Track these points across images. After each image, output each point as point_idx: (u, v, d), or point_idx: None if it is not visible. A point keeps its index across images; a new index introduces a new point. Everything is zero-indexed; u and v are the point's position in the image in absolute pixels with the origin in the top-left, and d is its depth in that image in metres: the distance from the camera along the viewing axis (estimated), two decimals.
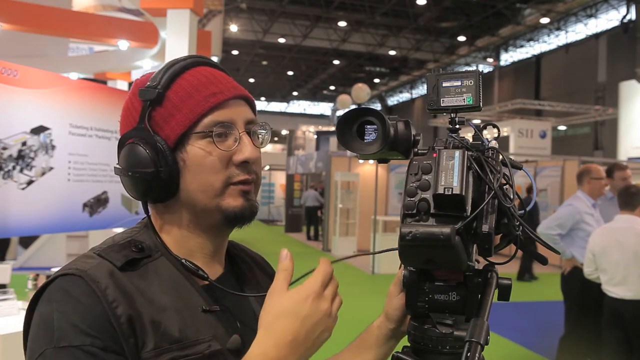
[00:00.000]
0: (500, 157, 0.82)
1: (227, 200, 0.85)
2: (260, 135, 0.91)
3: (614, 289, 3.65)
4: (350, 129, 0.87)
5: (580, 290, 4.18)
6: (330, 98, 37.18)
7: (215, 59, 11.53)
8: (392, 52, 26.98)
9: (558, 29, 22.93)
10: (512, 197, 0.80)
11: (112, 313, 0.74)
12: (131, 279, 0.79)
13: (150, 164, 0.82)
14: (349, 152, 9.47)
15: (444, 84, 0.86)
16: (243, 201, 0.86)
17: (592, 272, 3.85)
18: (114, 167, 0.87)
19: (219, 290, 0.88)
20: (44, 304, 0.76)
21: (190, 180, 0.84)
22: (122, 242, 0.84)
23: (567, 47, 23.16)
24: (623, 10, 20.26)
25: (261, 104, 39.88)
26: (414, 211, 0.76)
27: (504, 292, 0.85)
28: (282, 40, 25.38)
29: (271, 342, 0.74)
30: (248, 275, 0.98)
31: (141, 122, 0.84)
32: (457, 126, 0.87)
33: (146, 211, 0.90)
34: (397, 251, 0.79)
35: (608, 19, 21.16)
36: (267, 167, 22.29)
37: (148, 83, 0.86)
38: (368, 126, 0.86)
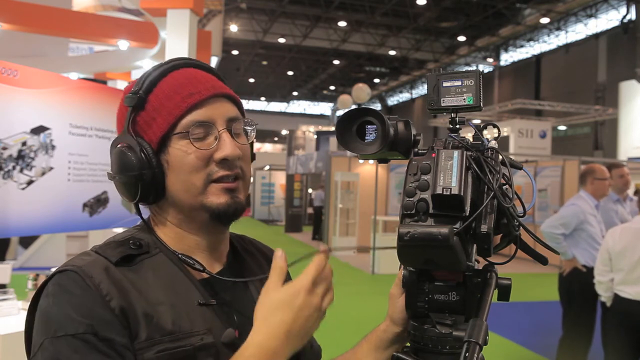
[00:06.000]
0: (500, 157, 0.82)
1: (210, 198, 0.87)
2: (246, 131, 0.92)
3: (630, 289, 3.49)
4: (350, 129, 0.87)
5: (579, 291, 4.14)
6: (330, 98, 37.18)
7: (215, 59, 11.51)
8: (392, 52, 26.97)
9: (558, 29, 22.93)
10: (511, 197, 0.79)
11: (106, 305, 0.76)
12: (126, 273, 0.81)
13: (134, 168, 0.85)
14: (349, 152, 9.46)
15: (444, 84, 0.86)
16: (228, 198, 0.87)
17: (603, 272, 3.60)
18: (107, 173, 0.90)
19: (218, 284, 0.90)
20: (43, 299, 0.80)
21: (174, 181, 0.87)
22: (120, 240, 0.87)
23: (567, 47, 23.15)
24: (623, 10, 20.26)
25: (261, 104, 39.89)
26: (413, 211, 0.76)
27: (504, 292, 0.85)
28: (282, 40, 25.37)
29: (267, 333, 0.76)
30: (253, 267, 1.00)
31: (127, 128, 0.87)
32: (458, 126, 0.87)
33: (138, 213, 0.92)
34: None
35: (608, 19, 21.15)
36: (267, 167, 22.27)
37: (132, 89, 0.88)
38: (368, 126, 0.86)
